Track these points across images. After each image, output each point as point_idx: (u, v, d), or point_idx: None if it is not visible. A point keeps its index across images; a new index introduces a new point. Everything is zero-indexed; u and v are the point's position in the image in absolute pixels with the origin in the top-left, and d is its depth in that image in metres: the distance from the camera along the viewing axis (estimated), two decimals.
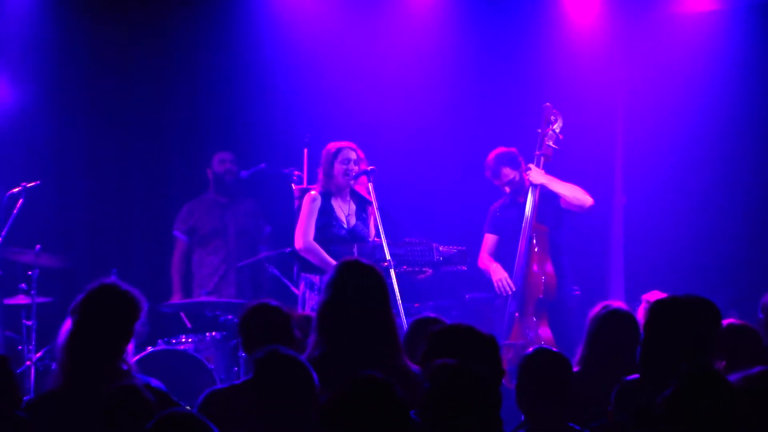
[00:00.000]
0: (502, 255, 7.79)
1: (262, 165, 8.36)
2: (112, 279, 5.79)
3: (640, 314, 5.96)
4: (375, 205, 7.07)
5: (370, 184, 7.13)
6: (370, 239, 7.30)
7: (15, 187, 7.59)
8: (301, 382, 3.83)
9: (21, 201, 7.51)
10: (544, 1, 9.23)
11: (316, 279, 7.05)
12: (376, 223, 7.13)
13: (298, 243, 7.20)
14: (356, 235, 7.25)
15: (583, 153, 8.89)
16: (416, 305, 7.62)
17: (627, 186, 9.35)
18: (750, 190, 8.93)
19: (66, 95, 8.69)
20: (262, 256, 8.24)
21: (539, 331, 7.43)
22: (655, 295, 6.10)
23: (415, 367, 4.36)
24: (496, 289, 7.63)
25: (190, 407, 4.16)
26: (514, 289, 7.52)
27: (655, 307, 4.19)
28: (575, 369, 4.68)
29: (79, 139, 8.78)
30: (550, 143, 7.70)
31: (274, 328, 4.55)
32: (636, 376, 4.20)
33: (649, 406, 3.42)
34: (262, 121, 9.03)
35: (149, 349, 7.28)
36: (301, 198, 7.42)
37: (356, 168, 7.25)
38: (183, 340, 7.55)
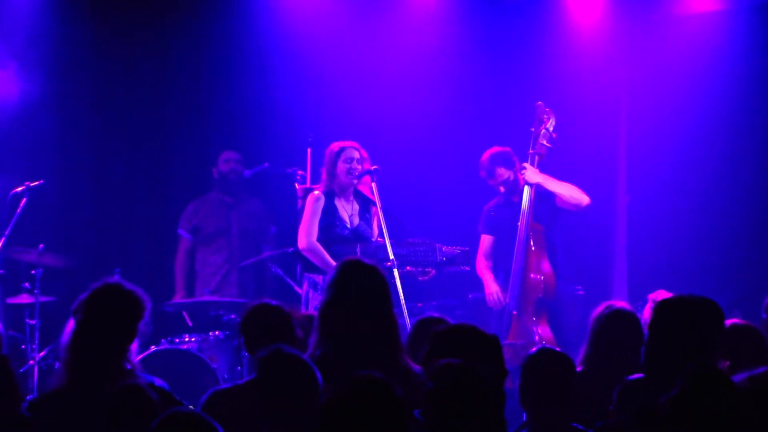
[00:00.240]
0: (499, 255, 7.79)
1: (266, 164, 8.37)
2: (116, 278, 5.80)
3: (647, 314, 5.97)
4: (378, 204, 7.05)
5: (373, 184, 7.11)
6: (374, 239, 7.27)
7: (18, 186, 7.58)
8: (304, 381, 3.83)
9: (24, 200, 7.50)
10: (546, 2, 9.24)
11: (319, 279, 7.03)
12: (379, 223, 7.12)
13: (301, 243, 7.18)
14: (359, 235, 7.23)
15: (587, 153, 8.91)
16: (419, 305, 7.61)
17: (630, 186, 9.35)
18: (752, 190, 8.93)
19: (70, 95, 8.69)
20: (266, 255, 8.24)
21: (539, 331, 7.42)
22: (661, 295, 6.08)
23: (416, 366, 4.35)
24: (489, 303, 7.66)
25: (194, 407, 4.16)
26: (504, 303, 7.54)
27: (659, 307, 4.19)
28: (578, 369, 4.68)
29: (82, 138, 8.79)
30: (544, 142, 7.68)
31: (275, 327, 4.55)
32: (638, 375, 4.20)
33: (652, 406, 3.43)
34: (266, 120, 9.04)
35: (153, 348, 7.29)
36: (304, 198, 7.40)
37: (359, 167, 7.21)
38: (186, 339, 7.55)
